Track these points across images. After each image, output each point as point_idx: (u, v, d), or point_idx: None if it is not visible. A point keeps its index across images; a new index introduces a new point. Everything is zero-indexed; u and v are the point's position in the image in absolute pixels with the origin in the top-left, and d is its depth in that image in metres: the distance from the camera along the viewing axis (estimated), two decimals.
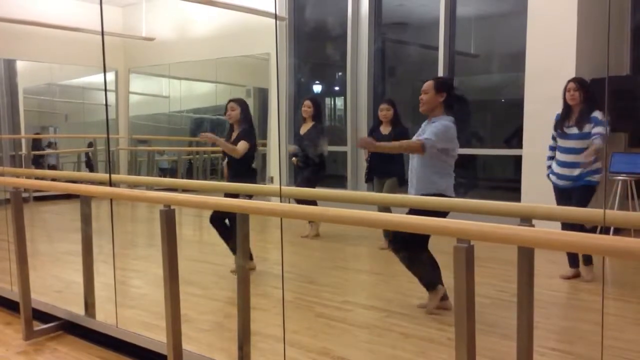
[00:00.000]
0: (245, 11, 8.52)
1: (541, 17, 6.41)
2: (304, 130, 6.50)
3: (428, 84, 4.02)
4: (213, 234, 5.05)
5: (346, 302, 4.39)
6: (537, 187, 6.09)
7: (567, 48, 6.20)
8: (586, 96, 4.76)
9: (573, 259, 4.83)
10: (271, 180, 8.97)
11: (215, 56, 10.03)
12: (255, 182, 5.17)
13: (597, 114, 4.67)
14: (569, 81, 4.88)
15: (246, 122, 5.09)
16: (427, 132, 3.94)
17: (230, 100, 5.15)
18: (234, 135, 5.07)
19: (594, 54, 6.25)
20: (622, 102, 5.44)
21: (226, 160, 5.20)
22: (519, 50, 6.65)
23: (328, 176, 8.28)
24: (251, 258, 4.66)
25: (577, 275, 4.80)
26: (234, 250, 4.72)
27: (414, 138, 4.09)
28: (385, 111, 5.87)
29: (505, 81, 7.61)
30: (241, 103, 5.15)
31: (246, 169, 5.06)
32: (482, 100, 7.99)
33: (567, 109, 4.84)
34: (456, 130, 3.98)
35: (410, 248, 3.95)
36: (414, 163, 4.03)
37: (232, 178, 5.05)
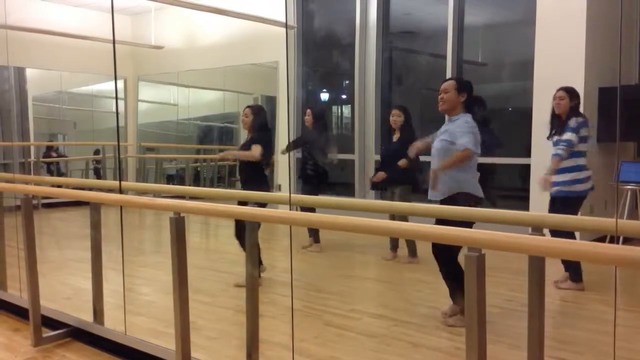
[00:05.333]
0: (254, 20, 8.56)
1: (549, 26, 6.41)
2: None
3: (449, 84, 3.98)
4: (220, 242, 5.06)
5: (354, 310, 4.38)
6: (545, 196, 6.08)
7: (575, 57, 6.19)
8: (573, 105, 4.75)
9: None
10: (279, 188, 8.97)
11: (224, 64, 10.06)
12: (267, 188, 5.17)
13: (572, 121, 4.67)
14: (558, 89, 4.85)
15: (259, 128, 5.13)
16: (458, 135, 3.86)
17: (246, 107, 5.23)
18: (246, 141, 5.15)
19: (602, 63, 6.24)
20: (630, 111, 5.42)
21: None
22: (527, 59, 6.64)
23: (335, 184, 8.29)
24: (260, 262, 4.76)
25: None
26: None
27: (438, 138, 4.02)
28: (395, 117, 5.80)
29: (513, 90, 7.60)
30: (255, 110, 5.20)
31: (259, 175, 5.10)
32: (490, 109, 7.98)
33: (553, 117, 4.85)
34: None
35: (441, 257, 3.91)
36: (435, 164, 3.97)
37: (244, 184, 5.09)
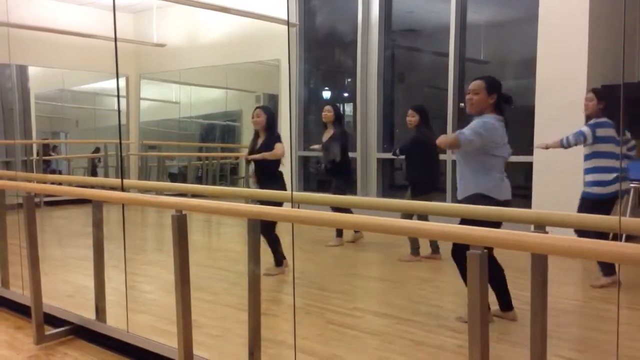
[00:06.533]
0: (256, 18, 8.55)
1: (552, 23, 6.39)
2: (326, 137, 6.43)
3: (478, 85, 3.83)
4: (223, 240, 5.05)
5: (357, 308, 4.37)
6: (548, 194, 6.07)
7: (578, 54, 6.18)
8: (602, 106, 4.70)
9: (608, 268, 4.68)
10: None
11: (225, 62, 10.06)
12: (284, 185, 5.29)
13: (592, 120, 4.69)
14: (588, 91, 4.86)
15: (270, 129, 5.28)
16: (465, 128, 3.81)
17: (256, 107, 5.38)
18: (260, 141, 5.28)
19: (605, 61, 6.22)
20: (633, 109, 5.41)
21: (253, 168, 5.35)
22: (530, 56, 6.63)
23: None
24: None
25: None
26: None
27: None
28: (409, 117, 5.83)
29: (516, 88, 7.58)
30: (267, 110, 5.38)
31: (274, 173, 5.25)
32: None
33: (586, 118, 4.84)
34: (503, 129, 3.83)
35: (458, 257, 3.86)
36: (457, 165, 3.96)
37: (259, 185, 5.21)
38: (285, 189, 5.19)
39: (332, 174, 6.46)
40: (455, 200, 4.24)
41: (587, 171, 4.70)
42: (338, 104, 9.71)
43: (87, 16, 10.21)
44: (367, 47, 8.52)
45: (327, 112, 6.41)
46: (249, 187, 5.30)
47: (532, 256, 2.26)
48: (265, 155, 5.15)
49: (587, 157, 4.71)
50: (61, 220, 9.10)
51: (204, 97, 11.86)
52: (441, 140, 4.01)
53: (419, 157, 5.75)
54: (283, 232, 5.87)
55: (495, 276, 3.79)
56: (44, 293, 3.81)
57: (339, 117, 6.51)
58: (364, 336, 3.80)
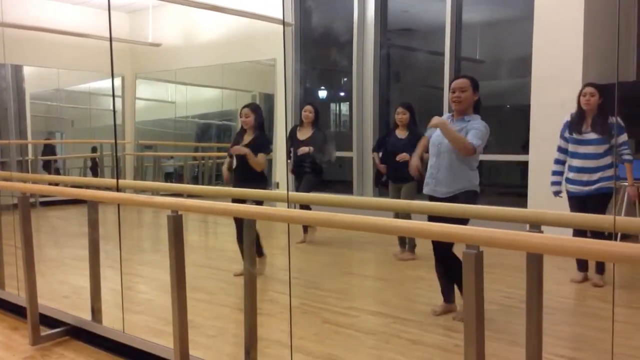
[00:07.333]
0: (252, 17, 8.55)
1: (547, 22, 6.40)
2: (303, 136, 6.45)
3: (466, 82, 3.91)
4: (219, 240, 5.05)
5: (353, 308, 4.37)
6: (543, 193, 6.06)
7: (573, 53, 6.19)
8: (601, 102, 4.70)
9: (581, 263, 4.85)
10: (277, 186, 8.97)
11: (221, 62, 10.05)
12: (265, 187, 5.22)
13: (613, 120, 4.62)
14: (585, 85, 4.82)
15: (260, 128, 5.18)
16: (470, 133, 3.83)
17: (244, 107, 5.25)
18: (248, 138, 5.13)
19: (600, 60, 6.23)
20: (629, 109, 5.42)
21: (234, 165, 5.21)
22: (525, 55, 6.64)
23: (334, 182, 8.29)
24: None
25: (586, 279, 4.82)
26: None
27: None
28: (401, 115, 5.84)
29: (511, 87, 7.59)
30: (255, 109, 5.25)
31: (255, 174, 5.10)
32: (488, 106, 7.98)
33: (580, 113, 4.78)
34: None
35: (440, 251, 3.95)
36: (444, 161, 3.93)
37: (240, 182, 5.05)
38: (267, 188, 5.12)
39: (306, 172, 6.40)
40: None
41: (605, 167, 4.66)
42: (332, 103, 9.76)
43: (82, 16, 10.19)
44: (362, 47, 8.52)
45: (309, 113, 6.42)
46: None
47: (527, 255, 2.26)
48: (249, 154, 5.01)
49: (607, 153, 4.67)
50: (57, 220, 9.08)
51: (200, 96, 11.85)
52: (455, 142, 3.85)
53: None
54: (278, 231, 5.88)
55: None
56: (40, 294, 3.79)
57: (317, 118, 6.53)
58: (360, 335, 3.80)
